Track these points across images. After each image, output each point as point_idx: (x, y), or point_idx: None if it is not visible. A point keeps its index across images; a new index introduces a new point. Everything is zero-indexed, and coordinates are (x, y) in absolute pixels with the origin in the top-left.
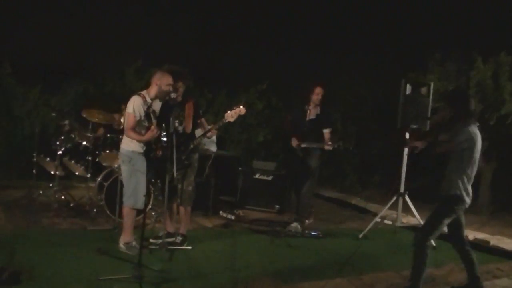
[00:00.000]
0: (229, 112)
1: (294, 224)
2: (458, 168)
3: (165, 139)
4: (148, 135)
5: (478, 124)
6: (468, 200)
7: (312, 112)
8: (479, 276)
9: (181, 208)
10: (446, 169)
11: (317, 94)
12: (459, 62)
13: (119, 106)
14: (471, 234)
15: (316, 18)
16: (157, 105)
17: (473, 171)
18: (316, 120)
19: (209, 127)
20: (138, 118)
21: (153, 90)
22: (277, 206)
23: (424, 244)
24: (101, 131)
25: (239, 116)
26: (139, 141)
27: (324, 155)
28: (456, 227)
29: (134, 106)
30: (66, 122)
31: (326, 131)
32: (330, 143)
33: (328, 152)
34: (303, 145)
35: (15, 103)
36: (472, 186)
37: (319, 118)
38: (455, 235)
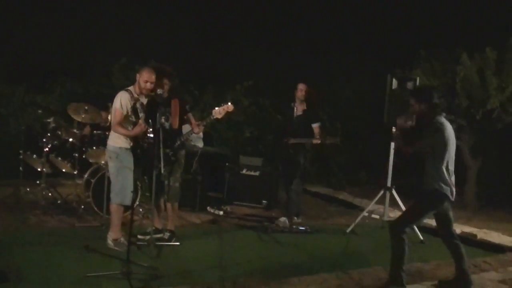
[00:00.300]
0: (216, 108)
1: (283, 219)
2: (436, 163)
3: (151, 135)
4: (136, 130)
5: (445, 114)
6: (450, 194)
7: (299, 109)
8: (467, 270)
9: (168, 205)
10: (425, 165)
11: (301, 90)
12: (444, 59)
13: (106, 104)
14: (458, 228)
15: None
16: (140, 103)
17: (452, 163)
18: (303, 116)
19: (196, 123)
20: (125, 113)
21: (137, 86)
22: (264, 201)
23: (401, 235)
24: (87, 129)
25: (227, 113)
26: (127, 136)
27: (312, 152)
28: (445, 222)
29: (121, 101)
30: (52, 119)
31: (315, 126)
32: (318, 137)
33: (317, 148)
34: (292, 141)
35: (1, 102)
36: (458, 181)
37: (306, 114)
38: (444, 230)
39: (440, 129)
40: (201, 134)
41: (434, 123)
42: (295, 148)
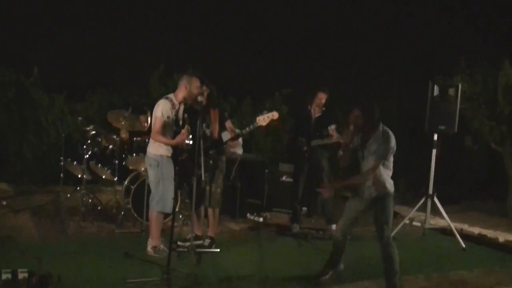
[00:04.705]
0: (261, 116)
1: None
2: (389, 167)
3: (190, 142)
4: (178, 139)
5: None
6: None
7: (316, 111)
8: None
9: (209, 210)
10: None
11: (320, 99)
12: (485, 66)
13: (143, 109)
14: (501, 236)
15: (341, 24)
16: (181, 110)
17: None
18: (321, 118)
19: (237, 130)
20: (165, 121)
21: (181, 93)
22: (304, 208)
23: (391, 240)
24: (126, 134)
25: (271, 121)
26: (167, 145)
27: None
28: (354, 220)
29: (163, 110)
30: (92, 126)
31: (332, 127)
32: (335, 134)
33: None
34: (312, 144)
35: (41, 111)
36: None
37: (324, 116)
38: (352, 218)
39: (390, 136)
40: (240, 141)
41: (384, 131)
42: (318, 152)
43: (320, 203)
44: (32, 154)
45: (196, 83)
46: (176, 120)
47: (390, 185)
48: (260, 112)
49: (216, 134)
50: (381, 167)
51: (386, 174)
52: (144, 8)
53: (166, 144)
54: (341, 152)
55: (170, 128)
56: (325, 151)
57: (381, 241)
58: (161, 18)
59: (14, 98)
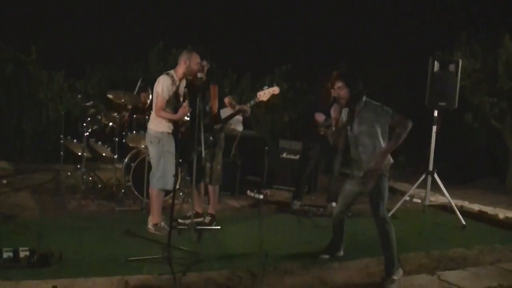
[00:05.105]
0: (261, 91)
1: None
2: (384, 138)
3: (188, 118)
4: (180, 113)
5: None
6: None
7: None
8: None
9: (210, 187)
10: (361, 150)
11: (339, 88)
12: (486, 41)
13: (145, 87)
14: (501, 213)
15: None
16: (182, 86)
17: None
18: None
19: (238, 105)
20: (167, 98)
21: (181, 69)
22: (295, 186)
23: (387, 216)
24: (126, 116)
25: (272, 96)
26: (170, 120)
27: None
28: (350, 205)
29: (163, 86)
30: (91, 102)
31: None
32: None
33: None
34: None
35: (40, 88)
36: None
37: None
38: (347, 204)
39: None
40: (240, 117)
41: (368, 102)
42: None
43: (328, 183)
44: (31, 131)
45: (195, 58)
46: (177, 95)
47: (387, 160)
48: (260, 87)
49: (215, 110)
50: (381, 140)
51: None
52: None
53: (169, 119)
54: (332, 128)
55: (172, 103)
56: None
57: (376, 217)
58: None
59: (12, 74)
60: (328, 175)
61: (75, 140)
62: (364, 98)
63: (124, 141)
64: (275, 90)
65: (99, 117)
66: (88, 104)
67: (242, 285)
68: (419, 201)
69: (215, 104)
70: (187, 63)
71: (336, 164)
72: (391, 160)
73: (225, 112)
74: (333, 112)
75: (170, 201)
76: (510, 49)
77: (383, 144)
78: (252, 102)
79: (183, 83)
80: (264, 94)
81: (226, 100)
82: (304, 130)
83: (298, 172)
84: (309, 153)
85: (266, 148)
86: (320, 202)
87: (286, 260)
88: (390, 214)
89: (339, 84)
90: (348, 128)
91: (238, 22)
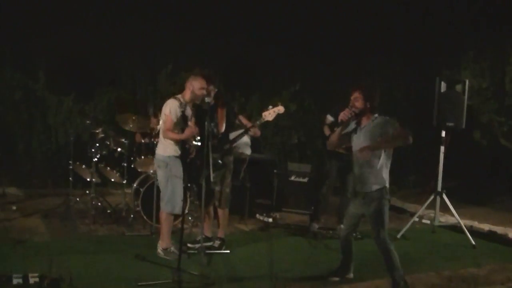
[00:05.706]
0: (266, 111)
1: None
2: (389, 158)
3: (199, 143)
4: (187, 132)
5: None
6: None
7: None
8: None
9: (220, 211)
10: (365, 168)
11: (356, 98)
12: (493, 59)
13: (152, 110)
14: (511, 232)
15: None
16: (189, 108)
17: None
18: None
19: (249, 124)
20: (174, 120)
21: (187, 94)
22: (313, 207)
23: (388, 246)
24: (138, 137)
25: (278, 115)
26: (178, 140)
27: None
28: (355, 226)
29: (171, 108)
30: (100, 129)
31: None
32: None
33: None
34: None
35: (49, 112)
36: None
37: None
38: (352, 225)
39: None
40: (248, 141)
41: (382, 117)
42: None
43: (340, 204)
44: (41, 156)
45: (199, 84)
46: (185, 118)
47: (387, 180)
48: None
49: (221, 130)
50: (384, 157)
51: (386, 167)
52: (151, 6)
53: (177, 139)
54: (335, 129)
55: (180, 125)
56: None
57: (377, 240)
58: (169, 16)
59: (22, 99)
60: (339, 196)
61: (84, 166)
62: (376, 115)
63: (132, 166)
64: (280, 109)
65: (108, 142)
66: (97, 131)
67: None
68: (428, 222)
69: (222, 126)
70: (191, 88)
71: (350, 184)
72: (387, 185)
73: (233, 135)
74: (342, 114)
75: (180, 225)
76: None
77: (387, 162)
78: (258, 122)
79: (190, 105)
80: (269, 114)
81: (240, 117)
82: (321, 147)
83: (315, 192)
84: (326, 171)
85: (275, 170)
86: (329, 224)
87: (296, 283)
88: (399, 235)
89: (356, 94)
90: (353, 145)
91: (246, 44)
